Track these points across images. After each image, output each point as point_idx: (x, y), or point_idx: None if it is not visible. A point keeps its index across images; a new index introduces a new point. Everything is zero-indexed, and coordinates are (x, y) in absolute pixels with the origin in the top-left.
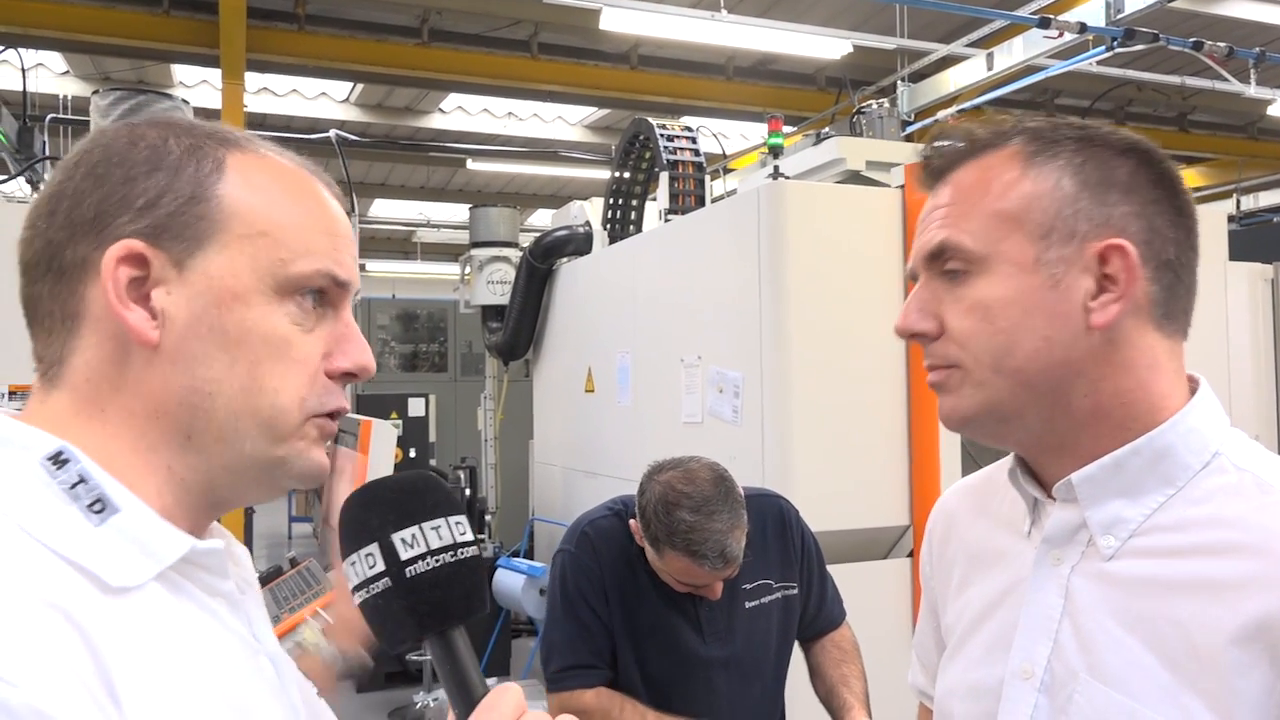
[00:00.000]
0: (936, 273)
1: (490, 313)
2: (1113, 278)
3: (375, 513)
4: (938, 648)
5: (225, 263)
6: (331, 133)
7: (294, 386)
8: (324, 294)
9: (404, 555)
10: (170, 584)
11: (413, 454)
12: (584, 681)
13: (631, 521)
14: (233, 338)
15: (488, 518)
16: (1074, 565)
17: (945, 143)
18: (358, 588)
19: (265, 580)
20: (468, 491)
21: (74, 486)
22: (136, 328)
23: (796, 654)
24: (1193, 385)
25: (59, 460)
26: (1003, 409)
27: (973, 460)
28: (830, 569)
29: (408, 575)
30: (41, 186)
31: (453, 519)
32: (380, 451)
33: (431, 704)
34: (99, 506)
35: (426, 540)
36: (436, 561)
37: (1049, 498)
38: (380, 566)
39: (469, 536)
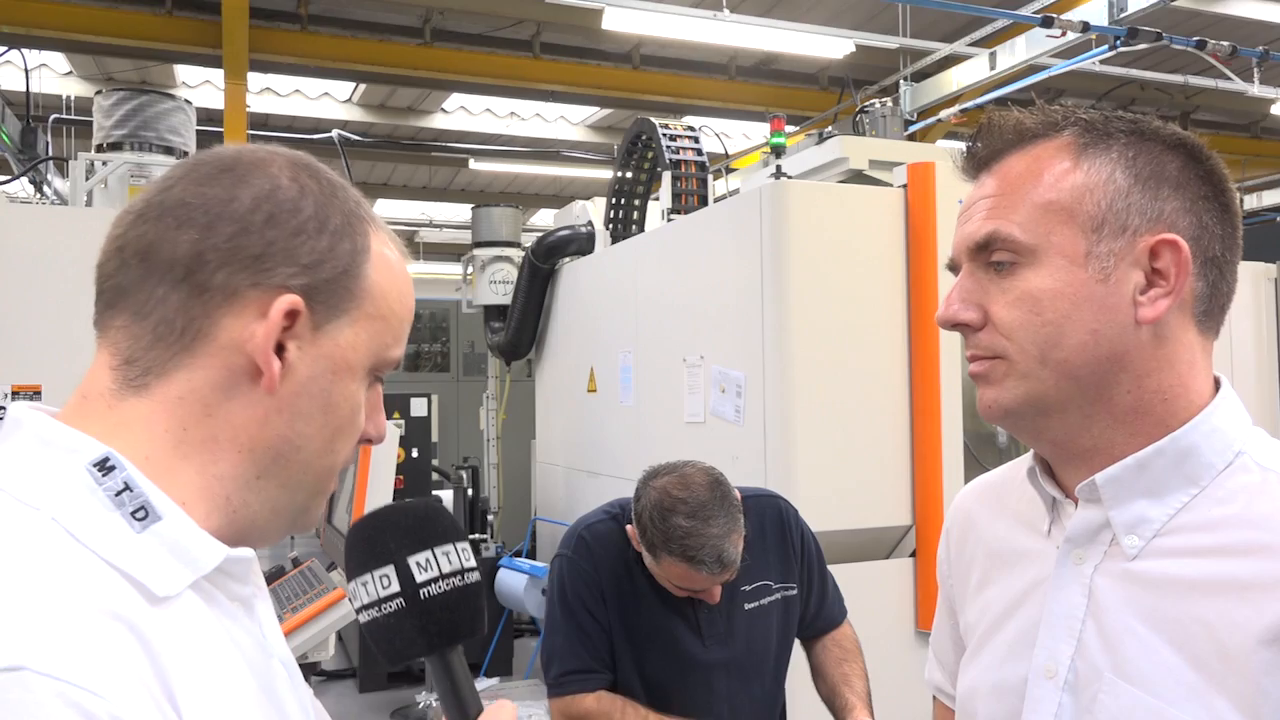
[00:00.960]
0: (981, 264)
1: (493, 313)
2: (1162, 273)
3: (390, 536)
4: (955, 647)
5: (352, 337)
6: (334, 133)
7: (348, 450)
8: None
9: (419, 578)
10: (202, 592)
11: (415, 454)
12: (584, 686)
13: (628, 527)
14: (333, 403)
15: (490, 518)
16: (1097, 565)
17: (992, 129)
18: (367, 606)
19: (268, 580)
20: (470, 492)
21: (119, 494)
22: (274, 375)
23: (798, 653)
24: (1214, 384)
25: (105, 467)
26: (1045, 401)
27: (975, 460)
28: (833, 568)
29: (422, 597)
30: (79, 165)
31: (459, 545)
32: (382, 451)
33: (434, 704)
34: (142, 514)
35: (439, 564)
36: (448, 585)
37: (1068, 498)
38: (395, 587)
39: (473, 562)
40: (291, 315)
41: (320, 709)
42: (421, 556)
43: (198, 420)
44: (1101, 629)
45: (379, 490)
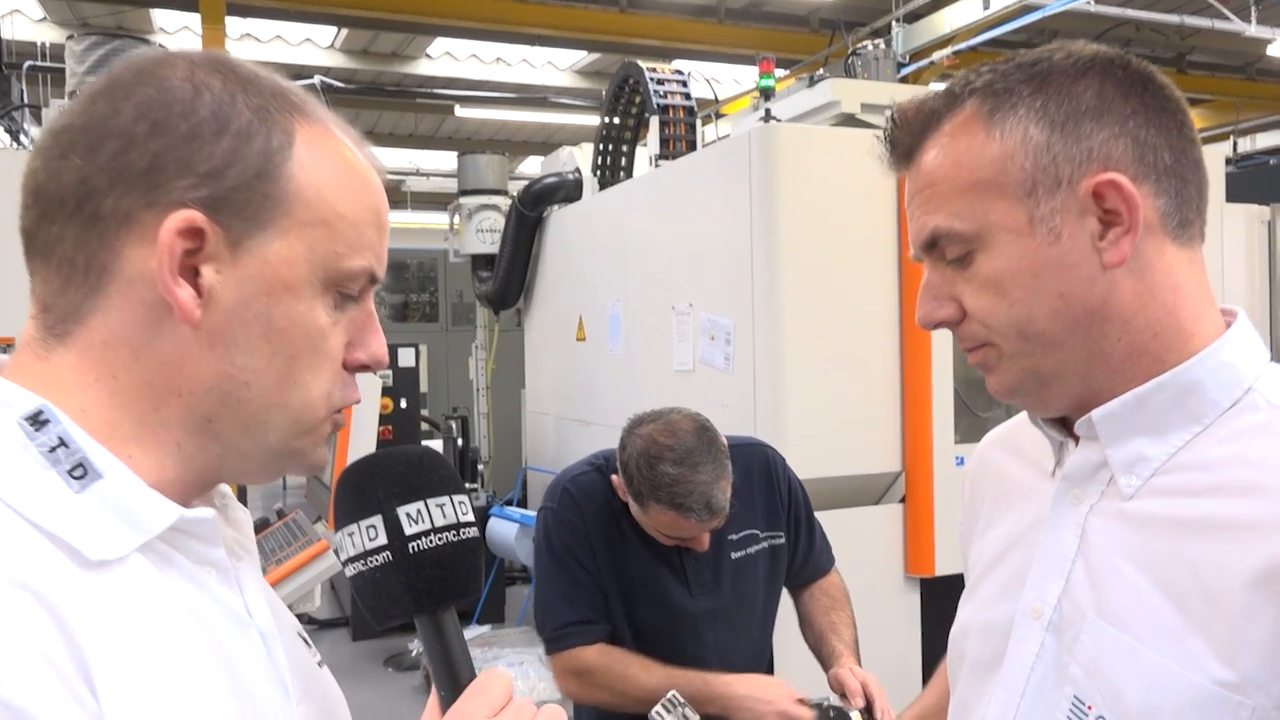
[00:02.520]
0: (938, 258)
1: (480, 262)
2: (1114, 211)
3: (380, 483)
4: None
5: (283, 249)
6: (316, 79)
7: (323, 381)
8: None
9: (409, 530)
10: (157, 555)
11: (403, 404)
12: (583, 638)
13: (614, 477)
14: (277, 329)
15: (480, 467)
16: (1093, 504)
17: (902, 120)
18: (353, 559)
19: (254, 531)
20: (460, 441)
21: (54, 450)
22: (183, 305)
23: (785, 602)
24: (1229, 318)
25: (38, 421)
26: (1041, 373)
27: (965, 406)
28: (822, 515)
29: (410, 551)
30: (51, 112)
31: (457, 497)
32: (365, 403)
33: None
34: (80, 472)
35: (431, 517)
36: (440, 539)
37: (1071, 438)
38: (382, 539)
39: (471, 517)
40: (193, 234)
41: (324, 678)
42: (413, 507)
43: (127, 365)
44: (1089, 569)
45: (362, 441)
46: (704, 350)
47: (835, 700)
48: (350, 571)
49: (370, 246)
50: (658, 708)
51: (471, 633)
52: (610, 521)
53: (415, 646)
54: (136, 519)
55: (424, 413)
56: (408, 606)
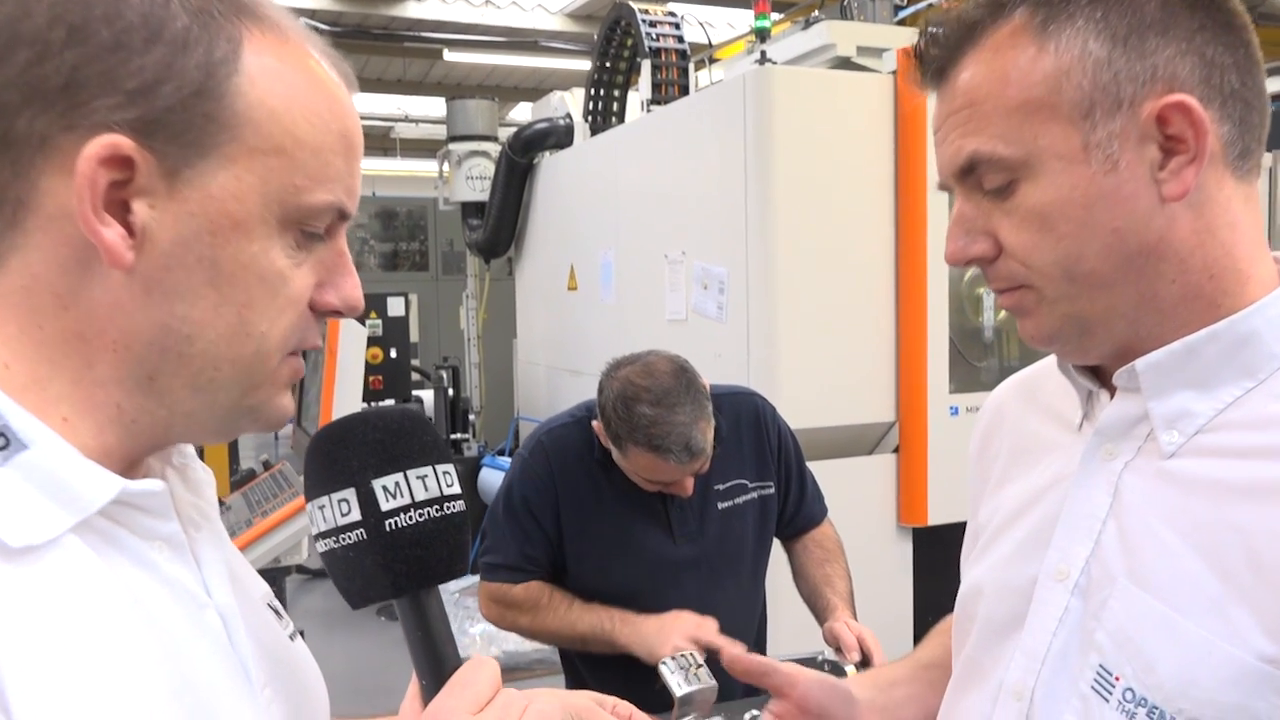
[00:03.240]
0: (973, 187)
1: (470, 209)
2: (1178, 138)
3: (354, 452)
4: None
5: (230, 181)
6: (301, 22)
7: (281, 329)
8: None
9: (385, 505)
10: (97, 535)
11: (394, 354)
12: (512, 579)
13: (594, 423)
14: (225, 274)
15: (472, 418)
16: (1128, 461)
17: (937, 32)
18: (325, 535)
19: (238, 484)
20: (451, 392)
21: None
22: (111, 246)
23: (779, 555)
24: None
25: None
26: (1085, 318)
27: (961, 356)
28: (814, 465)
29: (387, 529)
30: None
31: (440, 467)
32: (349, 353)
33: None
34: (1, 442)
35: (411, 490)
36: (421, 515)
37: (1104, 388)
38: (355, 515)
39: (457, 489)
40: (119, 163)
41: (297, 653)
42: (390, 480)
43: (54, 315)
44: (1122, 531)
45: (347, 394)
46: (697, 299)
47: (830, 655)
48: (321, 548)
49: (337, 177)
50: (667, 658)
51: (463, 582)
52: (584, 474)
53: None
54: (71, 495)
55: (415, 363)
56: (385, 588)
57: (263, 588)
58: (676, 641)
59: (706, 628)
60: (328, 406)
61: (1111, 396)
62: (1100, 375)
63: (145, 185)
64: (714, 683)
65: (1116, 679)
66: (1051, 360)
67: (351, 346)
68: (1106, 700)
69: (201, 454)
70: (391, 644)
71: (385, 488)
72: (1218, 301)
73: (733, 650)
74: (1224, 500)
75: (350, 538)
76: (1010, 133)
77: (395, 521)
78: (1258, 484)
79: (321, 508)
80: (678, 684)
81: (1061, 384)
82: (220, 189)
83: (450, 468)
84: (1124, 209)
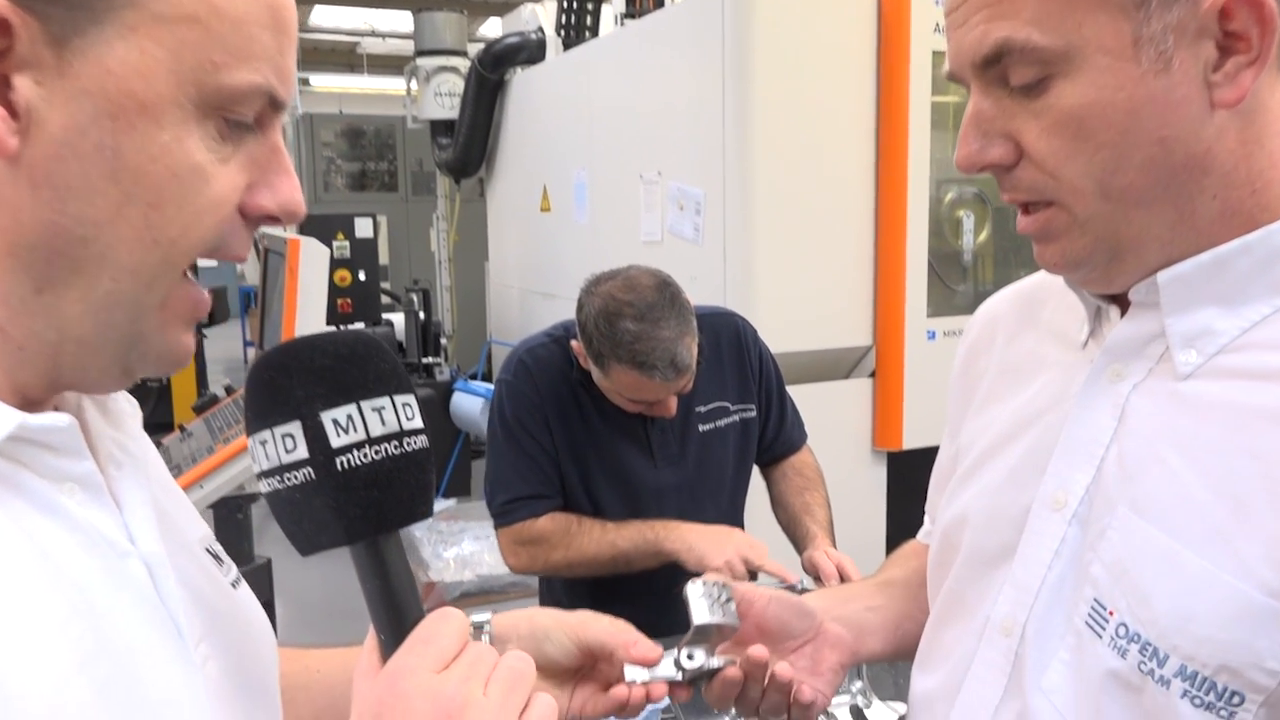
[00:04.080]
0: (995, 81)
1: (439, 128)
2: (1240, 35)
3: (299, 380)
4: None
5: (132, 55)
6: None
7: (198, 236)
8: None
9: (335, 442)
10: None
11: (362, 276)
12: (533, 511)
13: (573, 343)
14: (130, 167)
15: (444, 341)
16: (1137, 383)
17: None
18: (267, 473)
19: (200, 409)
20: (422, 315)
21: None
22: None
23: (757, 482)
24: None
25: None
26: (1116, 242)
27: (939, 279)
28: (790, 389)
29: (338, 467)
30: None
31: (400, 398)
32: (311, 273)
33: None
34: None
35: (366, 424)
36: (377, 453)
37: (1114, 303)
38: (302, 453)
39: (418, 423)
40: None
41: (239, 603)
42: (341, 412)
43: None
44: (1125, 456)
45: (310, 316)
46: (673, 221)
47: (809, 583)
48: (265, 488)
49: (264, 55)
50: (699, 580)
51: (437, 507)
52: (568, 393)
53: None
54: None
55: (385, 286)
56: (338, 534)
57: (201, 530)
58: (729, 556)
59: (759, 549)
60: (290, 330)
61: (1123, 313)
62: (1112, 292)
63: (28, 56)
64: (737, 622)
65: (1110, 613)
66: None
67: (313, 266)
68: (1099, 636)
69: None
70: None
71: (336, 421)
72: (1257, 218)
73: (783, 573)
74: (1242, 425)
75: (296, 478)
76: (1049, 19)
77: (348, 459)
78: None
79: (264, 443)
80: (701, 611)
81: (1065, 298)
82: (120, 64)
83: (411, 399)
84: (1173, 116)
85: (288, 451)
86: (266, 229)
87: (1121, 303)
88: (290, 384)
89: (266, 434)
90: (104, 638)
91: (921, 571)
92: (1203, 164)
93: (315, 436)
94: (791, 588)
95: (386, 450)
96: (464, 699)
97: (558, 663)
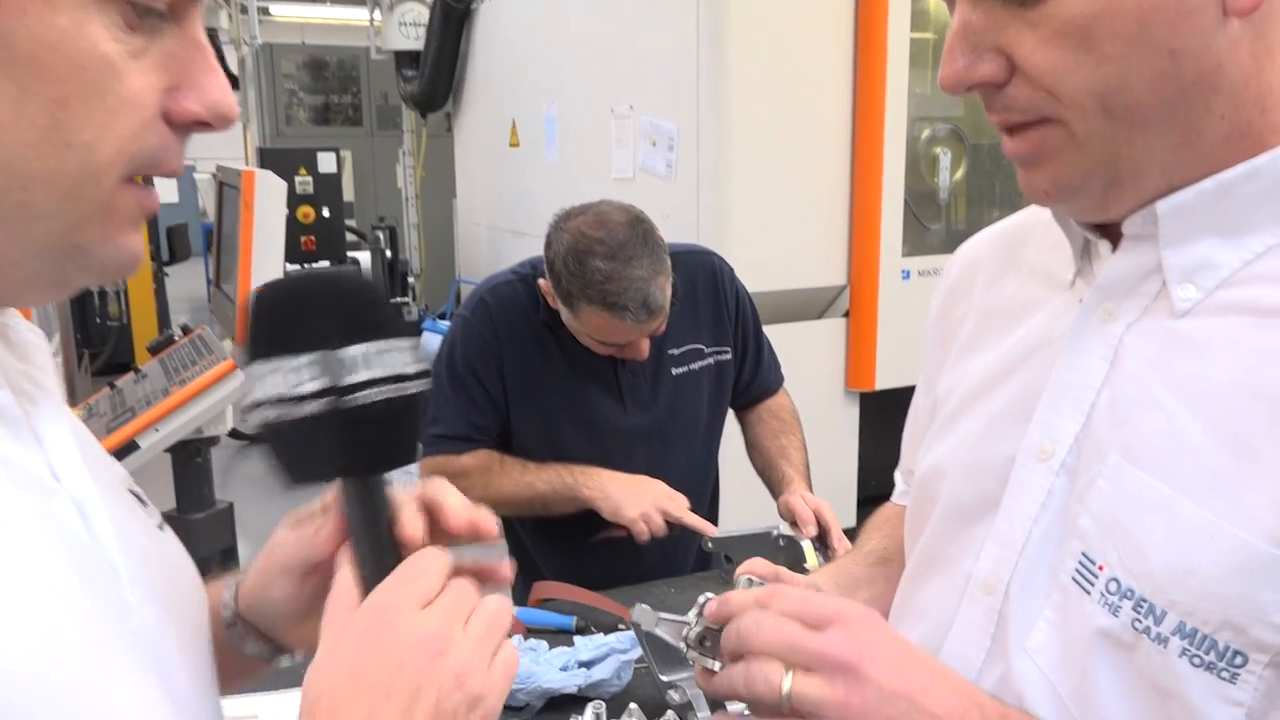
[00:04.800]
0: None
1: (404, 59)
2: None
3: (318, 315)
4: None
5: None
6: None
7: (116, 140)
8: None
9: (352, 378)
10: None
11: (326, 213)
12: (457, 450)
13: (541, 281)
14: (24, 56)
15: (411, 280)
16: (1131, 322)
17: None
18: (270, 403)
19: (156, 350)
20: (388, 253)
21: None
22: None
23: (732, 425)
24: None
25: None
26: (1115, 165)
27: (916, 218)
28: (764, 329)
29: (351, 403)
30: None
31: (403, 343)
32: (268, 207)
33: None
34: None
35: (380, 363)
36: (386, 393)
37: (1105, 237)
38: (316, 385)
39: (422, 365)
40: None
41: (166, 547)
42: (359, 350)
43: None
44: (1118, 401)
45: (268, 253)
46: (645, 157)
47: (785, 529)
48: (262, 416)
49: None
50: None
51: None
52: (530, 335)
53: None
54: None
55: (350, 223)
56: (331, 470)
57: (120, 472)
58: (645, 508)
59: (677, 501)
60: (246, 266)
61: (1114, 248)
62: (1102, 225)
63: None
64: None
65: (1100, 568)
66: (1035, 211)
67: (270, 200)
68: (1088, 593)
69: (128, 316)
70: None
71: (354, 358)
72: (1265, 140)
73: (702, 527)
74: (1245, 364)
75: (307, 409)
76: None
77: (361, 397)
78: None
79: (275, 371)
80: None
81: (1050, 237)
82: None
83: (416, 343)
84: (1184, 25)
85: (298, 383)
86: (223, 163)
87: (1112, 236)
88: (309, 317)
89: (279, 362)
90: (40, 581)
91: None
92: (1213, 80)
93: (333, 371)
94: (766, 534)
95: (395, 391)
96: (445, 637)
97: None
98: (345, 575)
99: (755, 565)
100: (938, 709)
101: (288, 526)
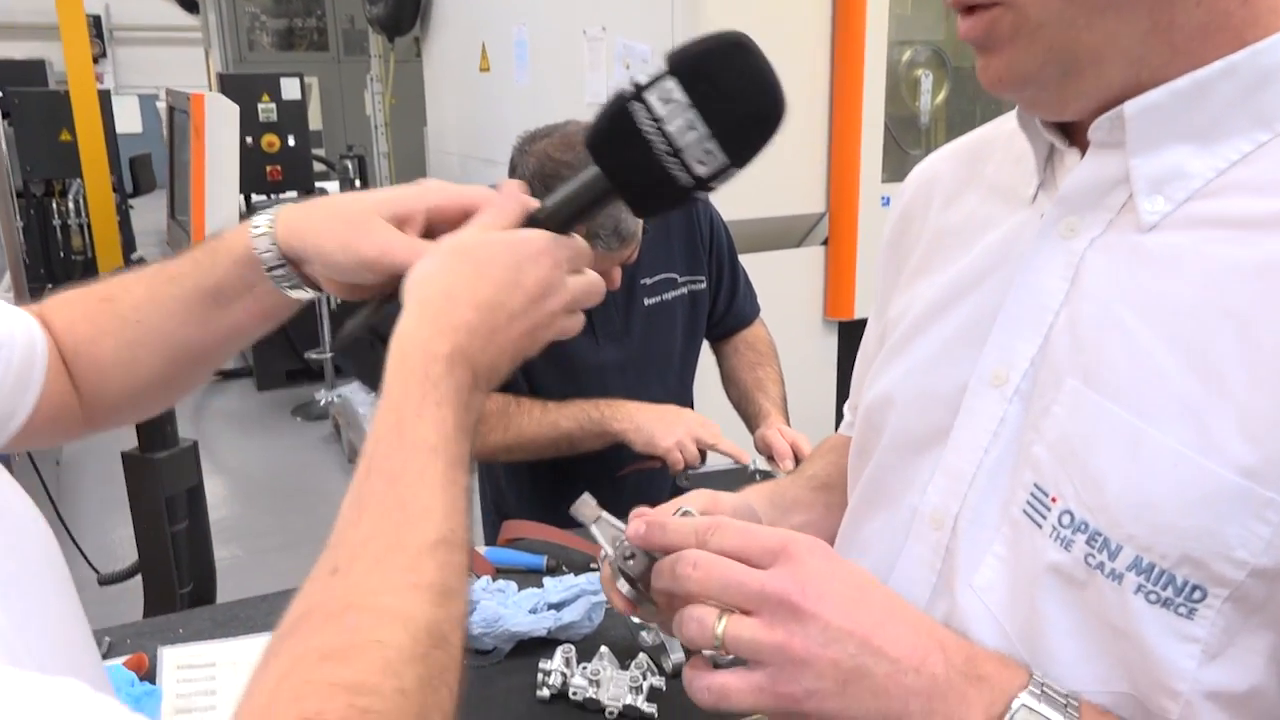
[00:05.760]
0: None
1: None
2: None
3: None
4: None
5: None
6: None
7: None
8: None
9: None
10: None
11: (291, 142)
12: None
13: None
14: None
15: None
16: (1094, 238)
17: None
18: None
19: None
20: (357, 183)
21: None
22: None
23: (707, 357)
24: None
25: None
26: (1074, 53)
27: (896, 143)
28: (741, 259)
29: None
30: None
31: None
32: (220, 134)
33: (336, 400)
34: None
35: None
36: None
37: (1072, 145)
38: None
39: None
40: None
41: (4, 485)
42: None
43: None
44: (1077, 322)
45: (222, 179)
46: (619, 80)
47: (762, 464)
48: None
49: None
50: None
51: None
52: None
53: (323, 396)
54: None
55: (318, 152)
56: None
57: None
58: (679, 437)
59: (711, 429)
60: (200, 196)
61: (1082, 152)
62: (1070, 133)
63: None
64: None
65: (1053, 500)
66: (997, 125)
67: (222, 125)
68: (1039, 526)
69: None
70: (308, 445)
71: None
72: (1243, 35)
73: (737, 454)
74: (1216, 282)
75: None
76: None
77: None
78: (1263, 262)
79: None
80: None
81: (1013, 151)
82: None
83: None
84: None
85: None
86: (171, 86)
87: (1080, 144)
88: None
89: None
90: None
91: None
92: None
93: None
94: (742, 470)
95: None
96: (559, 286)
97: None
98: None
99: (695, 498)
100: (893, 650)
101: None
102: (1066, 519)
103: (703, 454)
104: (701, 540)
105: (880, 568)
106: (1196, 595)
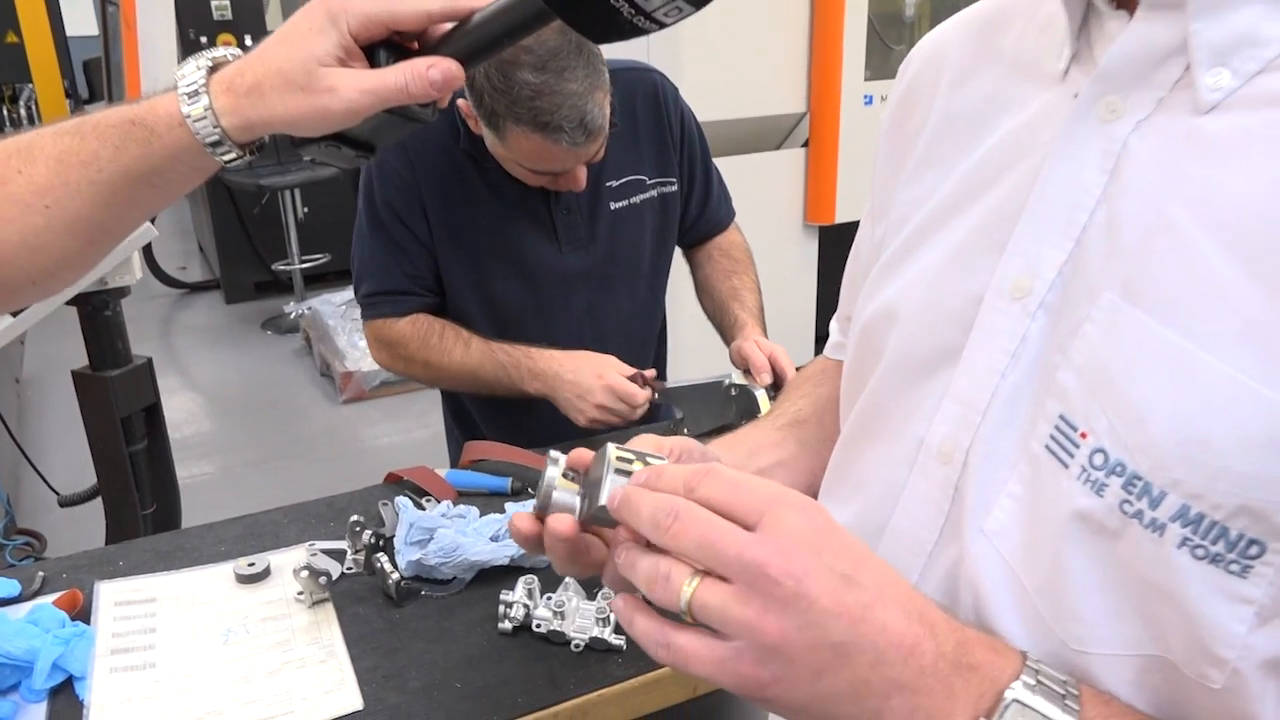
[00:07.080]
0: None
1: None
2: None
3: None
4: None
5: None
6: None
7: None
8: None
9: None
10: None
11: (249, 42)
12: (396, 309)
13: (460, 102)
14: None
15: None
16: (1141, 120)
17: None
18: None
19: None
20: None
21: None
22: None
23: (679, 265)
24: None
25: None
26: None
27: (880, 41)
28: (718, 162)
29: None
30: None
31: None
32: (153, 26)
33: (305, 312)
34: None
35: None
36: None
37: (1118, 8)
38: None
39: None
40: None
41: None
42: None
43: None
44: (1117, 222)
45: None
46: None
47: (738, 378)
48: None
49: None
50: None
51: (347, 294)
52: (450, 168)
53: (293, 309)
54: None
55: None
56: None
57: None
58: (592, 411)
59: (623, 377)
60: (135, 90)
61: (1130, 13)
62: None
63: None
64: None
65: (1083, 436)
66: None
67: (155, 15)
68: (1065, 466)
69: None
70: (278, 358)
71: None
72: None
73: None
74: None
75: None
76: None
77: None
78: None
79: None
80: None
81: (1037, 18)
82: None
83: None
84: None
85: None
86: None
87: (1127, 4)
88: None
89: None
90: None
91: (833, 401)
92: None
93: None
94: (718, 384)
95: None
96: None
97: None
98: None
99: (641, 442)
100: (881, 636)
101: None
102: (1099, 459)
103: (662, 373)
104: (689, 487)
105: (880, 505)
106: (1253, 551)
